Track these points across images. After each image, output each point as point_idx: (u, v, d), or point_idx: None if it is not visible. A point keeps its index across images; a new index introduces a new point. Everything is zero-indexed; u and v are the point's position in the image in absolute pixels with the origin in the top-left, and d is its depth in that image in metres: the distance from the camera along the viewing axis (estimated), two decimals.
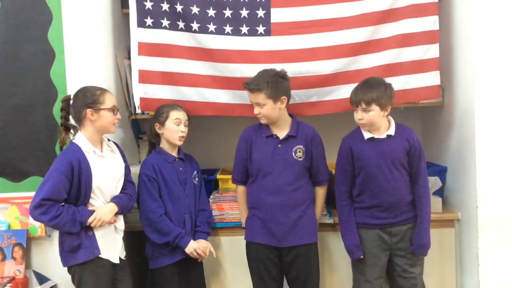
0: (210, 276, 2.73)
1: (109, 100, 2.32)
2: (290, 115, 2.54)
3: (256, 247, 2.51)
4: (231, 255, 2.76)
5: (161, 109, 2.56)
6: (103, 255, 2.28)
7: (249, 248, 2.55)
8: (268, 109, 2.43)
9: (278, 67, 2.51)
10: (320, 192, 2.59)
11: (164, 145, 2.59)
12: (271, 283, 2.50)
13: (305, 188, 2.50)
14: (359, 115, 2.39)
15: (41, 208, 2.16)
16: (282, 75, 2.46)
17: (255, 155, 2.51)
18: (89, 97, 2.29)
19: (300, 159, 2.47)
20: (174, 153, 2.59)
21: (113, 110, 2.33)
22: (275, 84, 2.41)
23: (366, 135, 2.43)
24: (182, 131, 2.54)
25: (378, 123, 2.40)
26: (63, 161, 2.23)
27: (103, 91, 2.34)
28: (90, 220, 2.23)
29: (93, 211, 2.25)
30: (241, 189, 2.61)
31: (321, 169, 2.54)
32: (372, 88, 2.36)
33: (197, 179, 2.64)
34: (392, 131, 2.43)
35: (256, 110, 2.46)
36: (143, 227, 2.51)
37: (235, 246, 2.72)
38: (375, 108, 2.35)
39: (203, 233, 2.58)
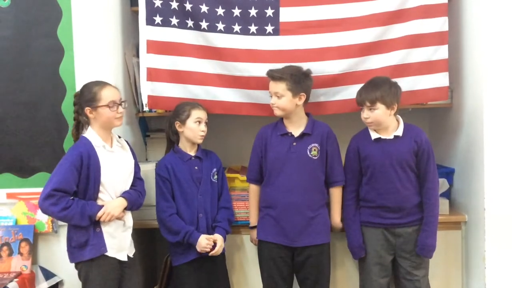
0: None
1: (106, 96, 2.30)
2: (307, 114, 2.54)
3: (268, 246, 2.50)
4: (236, 253, 2.75)
5: (182, 107, 2.56)
6: (110, 253, 2.29)
7: (262, 246, 2.54)
8: (285, 101, 2.43)
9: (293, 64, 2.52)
10: (336, 194, 2.55)
11: (183, 143, 2.59)
12: (281, 282, 2.50)
13: (319, 188, 2.49)
14: (365, 114, 2.41)
15: (51, 199, 2.17)
16: (306, 74, 2.49)
17: (270, 154, 2.51)
18: (86, 96, 2.31)
19: (315, 158, 2.47)
20: (193, 152, 2.59)
21: (111, 106, 2.30)
22: (298, 78, 2.44)
23: (373, 135, 2.44)
24: (202, 130, 2.55)
25: (384, 122, 2.40)
26: (73, 153, 2.26)
27: (100, 87, 2.32)
28: (99, 214, 2.24)
29: (102, 206, 2.26)
30: (254, 188, 2.60)
31: (335, 168, 2.52)
32: (376, 86, 2.38)
33: (216, 176, 2.62)
34: (400, 132, 2.43)
35: (273, 100, 2.47)
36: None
37: (241, 244, 2.72)
38: (380, 106, 2.36)
39: (222, 229, 2.53)
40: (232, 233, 2.72)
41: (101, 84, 2.34)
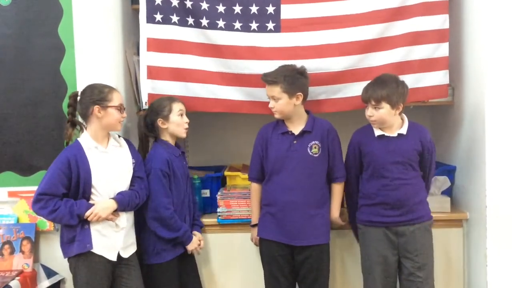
0: (216, 271, 2.73)
1: (117, 98, 2.34)
2: (307, 111, 2.53)
3: (268, 244, 2.50)
4: (238, 251, 2.75)
5: (161, 104, 2.53)
6: (97, 250, 2.28)
7: (262, 245, 2.55)
8: (282, 103, 2.42)
9: (287, 64, 2.50)
10: (336, 190, 2.54)
11: (166, 139, 2.56)
12: (283, 280, 2.50)
13: (320, 186, 2.48)
14: (369, 112, 2.38)
15: (39, 203, 2.23)
16: (301, 72, 2.46)
17: (271, 152, 2.50)
18: (97, 94, 2.31)
19: (316, 155, 2.46)
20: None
21: (119, 108, 2.34)
22: (292, 79, 2.41)
23: (377, 132, 2.42)
24: (186, 122, 2.55)
25: (389, 121, 2.38)
26: (60, 157, 2.28)
27: (111, 89, 2.35)
28: (87, 214, 2.24)
29: (91, 205, 2.27)
30: (255, 186, 2.59)
31: (337, 164, 2.51)
32: (383, 85, 2.34)
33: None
34: (404, 130, 2.41)
35: (271, 104, 2.46)
36: (149, 222, 2.46)
37: (243, 242, 2.72)
38: (385, 105, 2.33)
39: (198, 226, 2.63)
40: (232, 231, 2.74)
41: (110, 86, 2.37)
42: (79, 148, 2.30)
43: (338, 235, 2.70)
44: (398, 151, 2.39)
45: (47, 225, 2.63)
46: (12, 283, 2.41)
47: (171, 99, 2.56)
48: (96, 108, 2.29)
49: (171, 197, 2.48)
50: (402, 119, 2.44)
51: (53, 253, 2.63)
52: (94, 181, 2.28)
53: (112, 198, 2.32)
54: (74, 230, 2.27)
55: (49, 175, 2.26)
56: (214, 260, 2.68)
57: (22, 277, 2.49)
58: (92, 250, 2.28)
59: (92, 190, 2.29)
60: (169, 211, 2.45)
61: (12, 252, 2.59)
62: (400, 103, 2.35)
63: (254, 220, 2.61)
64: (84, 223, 2.27)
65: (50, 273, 2.62)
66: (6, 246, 2.59)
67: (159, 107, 2.53)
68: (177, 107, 2.53)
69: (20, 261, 2.58)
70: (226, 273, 2.77)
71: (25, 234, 2.60)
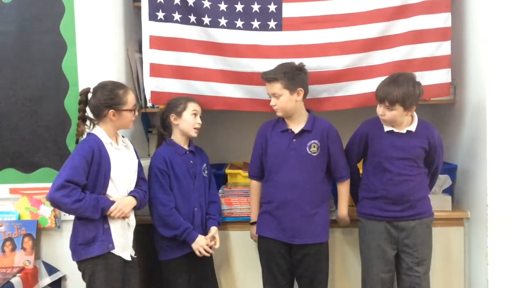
0: (217, 269, 2.73)
1: (131, 100, 2.32)
2: (308, 110, 2.53)
3: (266, 241, 2.51)
4: (239, 249, 2.76)
5: (178, 101, 2.57)
6: (116, 251, 2.27)
7: (260, 242, 2.56)
8: (284, 100, 2.42)
9: (286, 61, 2.51)
10: (342, 189, 2.55)
11: (176, 137, 2.58)
12: (280, 278, 2.50)
13: (319, 186, 2.48)
14: (381, 111, 2.37)
15: (64, 190, 2.12)
16: (300, 68, 2.47)
17: (270, 150, 2.51)
18: (112, 98, 2.26)
19: (315, 154, 2.46)
20: (186, 146, 2.59)
21: (133, 109, 2.33)
22: (291, 75, 2.41)
23: (386, 127, 2.42)
24: (198, 123, 2.56)
25: (399, 121, 2.39)
26: (84, 146, 2.23)
27: (125, 90, 2.31)
28: (111, 208, 2.23)
29: (113, 201, 2.25)
30: (255, 184, 2.60)
31: (340, 163, 2.51)
32: (400, 87, 2.29)
33: (206, 171, 2.64)
34: (413, 127, 2.41)
35: (273, 102, 2.46)
36: (152, 220, 2.51)
37: (243, 240, 2.72)
38: (398, 108, 2.31)
39: (215, 221, 2.58)
40: (234, 229, 2.74)
41: (123, 87, 2.32)
42: (100, 142, 2.26)
43: (339, 232, 2.70)
44: (405, 147, 2.40)
45: (49, 222, 2.64)
46: (13, 280, 2.41)
47: (189, 98, 2.59)
48: (111, 112, 2.26)
49: (171, 194, 2.49)
50: (412, 116, 2.43)
51: (55, 250, 2.65)
52: (112, 175, 2.26)
53: (131, 195, 2.32)
54: (95, 229, 2.22)
55: (74, 162, 2.18)
56: (214, 258, 2.68)
57: (23, 274, 2.49)
58: (112, 251, 2.25)
59: (110, 183, 2.26)
60: (166, 208, 2.46)
61: (13, 249, 2.59)
62: (413, 106, 2.35)
63: (253, 217, 2.62)
64: (104, 222, 2.24)
65: (51, 270, 2.63)
66: (8, 243, 2.59)
67: (175, 103, 2.57)
68: (192, 106, 2.55)
69: (22, 258, 2.58)
70: (227, 271, 2.77)
71: (26, 231, 2.60)
